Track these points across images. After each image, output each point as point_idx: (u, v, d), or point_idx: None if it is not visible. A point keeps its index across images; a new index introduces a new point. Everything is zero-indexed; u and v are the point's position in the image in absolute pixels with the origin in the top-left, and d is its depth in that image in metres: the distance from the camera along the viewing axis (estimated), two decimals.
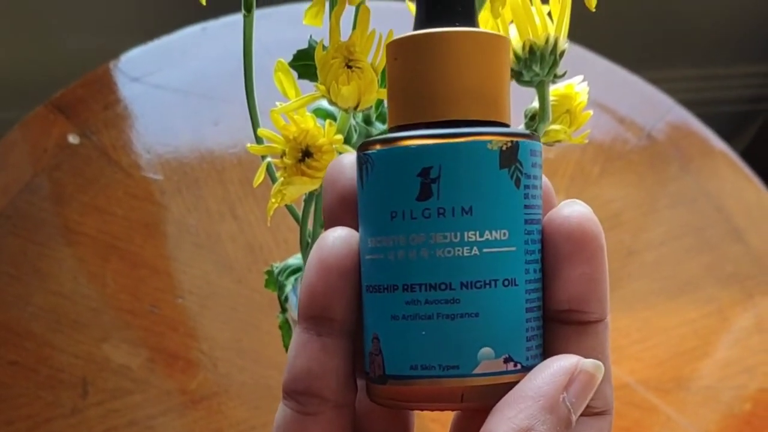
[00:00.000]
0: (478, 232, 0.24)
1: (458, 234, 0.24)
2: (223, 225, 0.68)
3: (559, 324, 0.26)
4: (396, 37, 0.25)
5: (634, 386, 0.62)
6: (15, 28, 1.04)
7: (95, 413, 0.60)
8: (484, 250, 0.24)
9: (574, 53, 0.77)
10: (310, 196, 0.36)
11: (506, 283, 0.24)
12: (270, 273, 0.45)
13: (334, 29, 0.31)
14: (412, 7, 0.34)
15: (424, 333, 0.24)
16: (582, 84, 0.33)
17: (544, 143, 0.33)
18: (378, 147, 0.25)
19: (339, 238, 0.25)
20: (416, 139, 0.24)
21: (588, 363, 0.25)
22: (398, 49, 0.25)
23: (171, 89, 0.75)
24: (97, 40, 0.98)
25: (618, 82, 0.79)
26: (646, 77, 0.80)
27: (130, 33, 0.86)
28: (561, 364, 0.24)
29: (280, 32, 0.63)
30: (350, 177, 0.26)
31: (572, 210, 0.25)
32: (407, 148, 0.24)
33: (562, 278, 0.25)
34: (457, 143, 0.24)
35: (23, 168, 0.70)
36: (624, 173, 0.73)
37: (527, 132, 0.25)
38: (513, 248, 0.24)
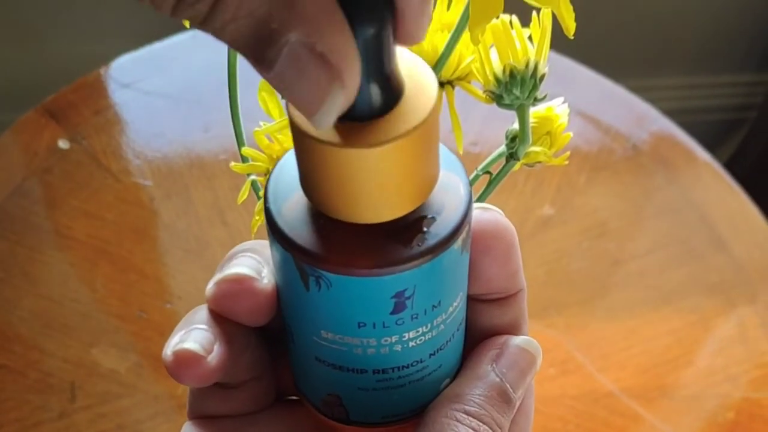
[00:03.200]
0: (444, 314, 0.23)
1: (429, 324, 0.23)
2: (212, 231, 0.68)
3: (481, 303, 0.26)
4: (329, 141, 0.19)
5: (618, 394, 0.63)
6: (7, 32, 1.04)
7: (83, 417, 0.60)
8: (448, 321, 0.23)
9: (559, 64, 0.78)
10: None
11: (459, 329, 0.25)
12: None
13: None
14: None
15: (395, 397, 0.24)
16: (562, 106, 0.33)
17: (524, 164, 0.34)
18: (334, 268, 0.20)
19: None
20: (386, 268, 0.20)
21: (519, 339, 0.25)
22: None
23: (161, 95, 0.75)
24: (89, 46, 0.98)
25: (603, 92, 0.80)
26: (631, 86, 0.80)
27: (121, 39, 0.86)
28: (487, 342, 0.25)
29: None
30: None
31: (483, 214, 0.24)
32: (378, 280, 0.20)
33: (483, 278, 0.24)
34: (433, 261, 0.21)
35: (13, 171, 0.71)
36: (609, 183, 0.74)
37: (469, 185, 0.22)
38: (463, 300, 0.24)
